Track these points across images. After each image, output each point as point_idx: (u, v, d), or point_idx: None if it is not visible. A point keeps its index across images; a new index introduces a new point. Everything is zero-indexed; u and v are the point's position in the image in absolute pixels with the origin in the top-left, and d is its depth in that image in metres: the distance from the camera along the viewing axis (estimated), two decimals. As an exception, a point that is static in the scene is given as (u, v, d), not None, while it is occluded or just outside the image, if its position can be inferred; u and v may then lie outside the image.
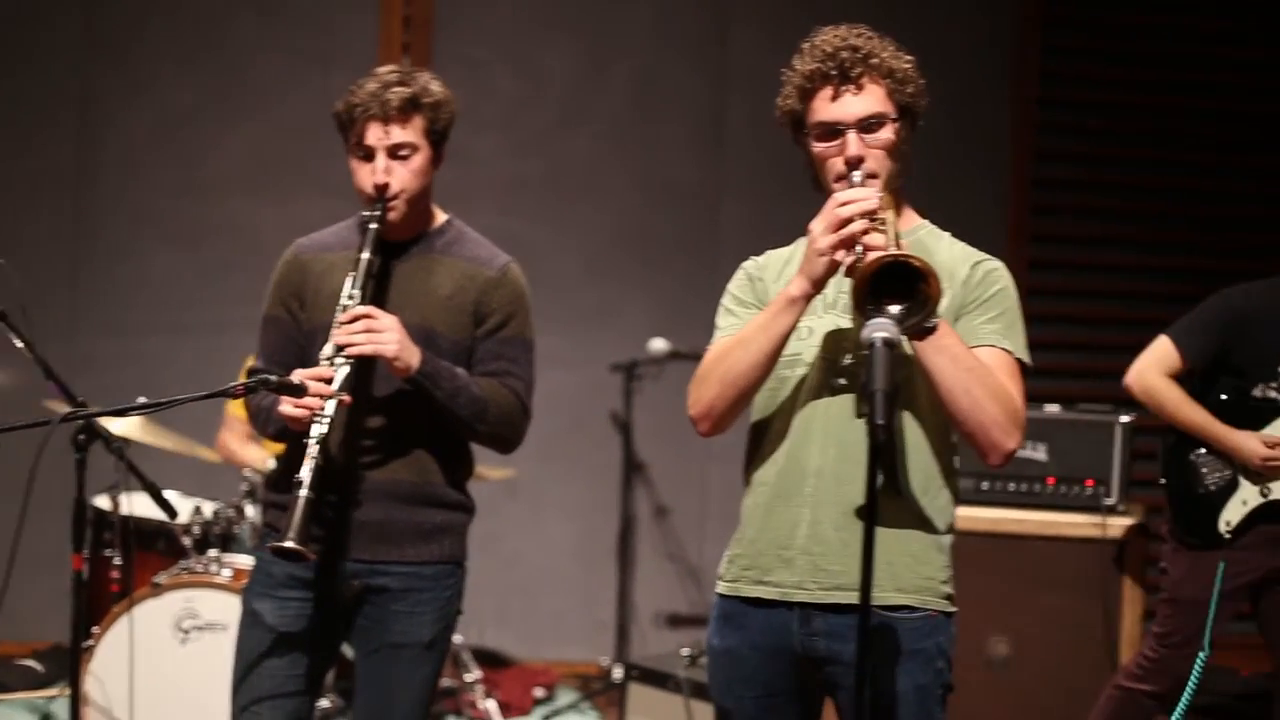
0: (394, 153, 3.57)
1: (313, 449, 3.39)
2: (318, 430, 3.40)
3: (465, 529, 3.77)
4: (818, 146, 3.17)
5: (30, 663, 6.60)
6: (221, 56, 7.08)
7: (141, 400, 3.65)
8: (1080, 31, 7.62)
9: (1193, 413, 4.88)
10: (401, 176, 3.58)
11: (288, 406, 3.41)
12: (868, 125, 3.12)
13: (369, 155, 3.58)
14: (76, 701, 4.52)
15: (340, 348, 3.43)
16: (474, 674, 6.24)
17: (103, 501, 5.39)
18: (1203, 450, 4.93)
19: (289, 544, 3.33)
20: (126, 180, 7.11)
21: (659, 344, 6.05)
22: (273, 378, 3.42)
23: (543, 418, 6.85)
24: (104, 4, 7.13)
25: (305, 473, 3.38)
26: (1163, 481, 5.10)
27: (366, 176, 3.58)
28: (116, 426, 5.04)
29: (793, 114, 3.21)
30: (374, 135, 3.56)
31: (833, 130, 3.14)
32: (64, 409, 4.32)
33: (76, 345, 7.00)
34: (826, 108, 3.14)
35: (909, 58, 3.21)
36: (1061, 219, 7.61)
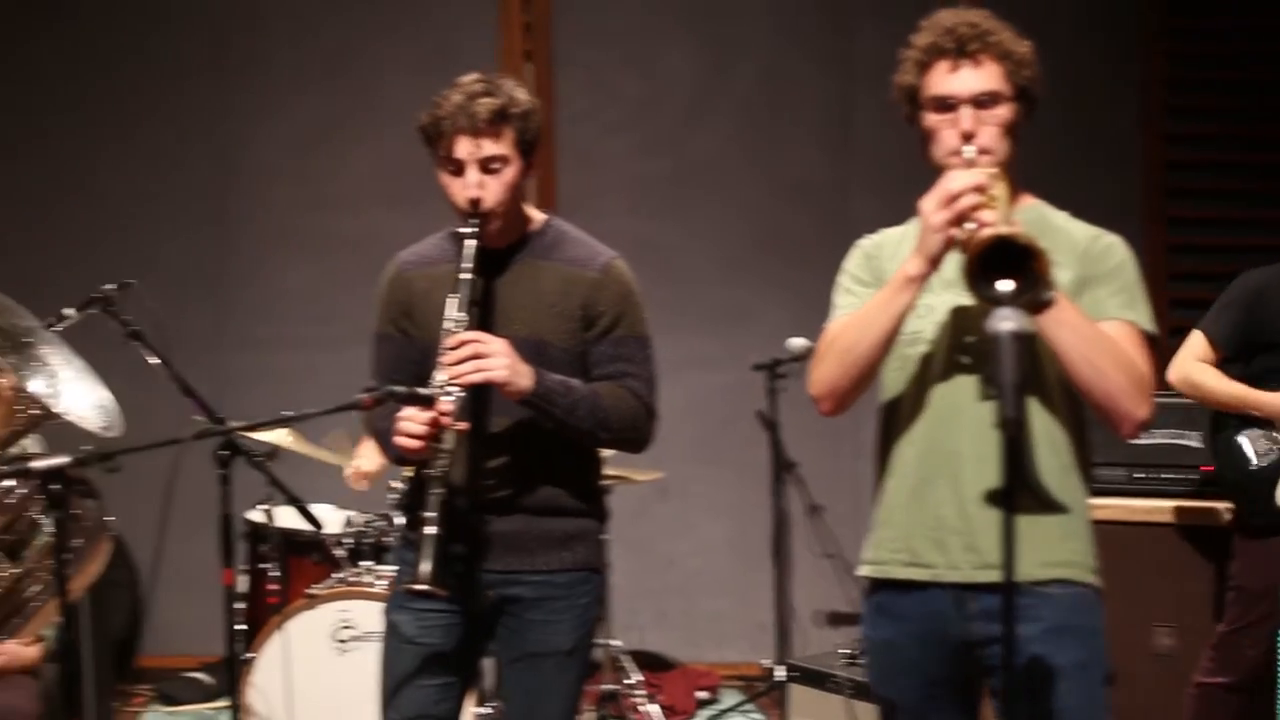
0: (485, 166, 3.47)
1: (435, 483, 3.39)
2: (440, 463, 3.39)
3: (598, 535, 3.73)
4: (931, 119, 3.15)
5: (199, 675, 6.72)
6: (347, 74, 7.22)
7: (280, 415, 3.66)
8: (1207, 10, 7.46)
9: (1230, 386, 4.89)
10: (494, 190, 3.48)
11: (402, 439, 3.39)
12: (982, 101, 3.10)
13: (459, 169, 3.49)
14: (237, 713, 4.61)
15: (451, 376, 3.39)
16: (636, 678, 6.23)
17: (257, 515, 5.47)
18: (1250, 429, 4.90)
19: (421, 586, 3.34)
20: (262, 198, 7.29)
21: (798, 342, 5.99)
22: (399, 389, 3.40)
23: (689, 419, 6.93)
24: (234, 29, 7.30)
25: (431, 509, 3.38)
26: (1213, 470, 5.14)
27: (459, 190, 3.49)
28: (270, 440, 5.12)
29: (909, 89, 3.19)
30: (464, 149, 3.47)
31: (947, 104, 3.12)
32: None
33: (221, 362, 7.14)
34: (942, 81, 3.12)
35: (1027, 43, 3.18)
36: (1198, 202, 7.44)
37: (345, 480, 5.52)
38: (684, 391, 6.88)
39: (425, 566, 3.33)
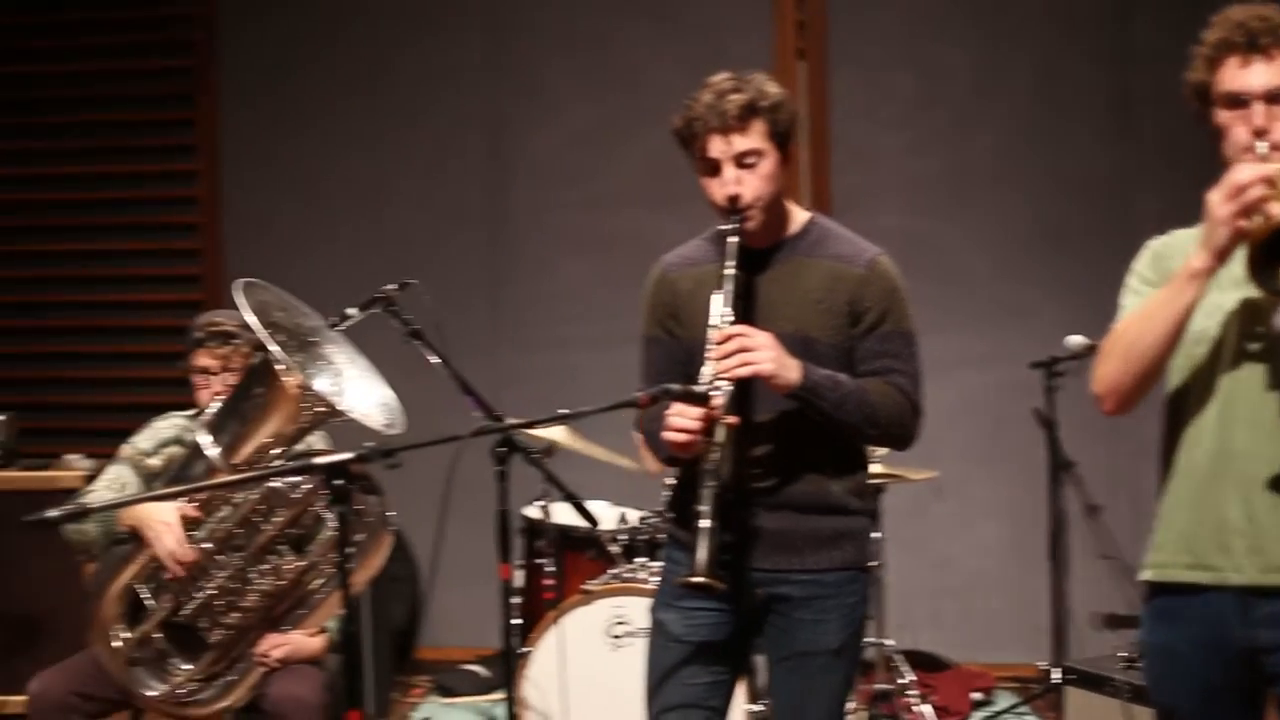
0: (740, 161, 3.48)
1: (708, 477, 3.36)
2: (712, 457, 3.37)
3: (866, 534, 3.71)
4: (1223, 116, 3.07)
5: (475, 668, 6.85)
6: (619, 73, 7.27)
7: (557, 412, 3.70)
8: None
9: None
10: (752, 185, 3.49)
11: (672, 434, 3.39)
12: (1275, 97, 3.01)
13: (715, 168, 3.51)
14: (513, 706, 4.68)
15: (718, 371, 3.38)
16: (909, 677, 6.18)
17: (533, 511, 5.54)
18: None
19: (697, 579, 3.32)
20: (537, 197, 7.38)
21: (1076, 340, 5.87)
22: (675, 387, 3.39)
23: (963, 418, 6.86)
24: (507, 31, 7.40)
25: (704, 502, 3.35)
26: None
27: (717, 189, 3.51)
28: (545, 437, 5.19)
29: (1198, 86, 3.11)
30: (716, 147, 3.48)
31: (1239, 100, 3.03)
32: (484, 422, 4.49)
33: (499, 360, 7.27)
34: (1233, 76, 3.04)
35: None
36: None
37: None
38: (957, 390, 6.82)
39: (702, 557, 3.31)
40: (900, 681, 6.16)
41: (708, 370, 3.40)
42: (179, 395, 4.83)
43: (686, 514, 3.50)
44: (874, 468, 5.37)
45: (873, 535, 3.75)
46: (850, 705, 3.78)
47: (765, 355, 3.39)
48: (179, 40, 7.62)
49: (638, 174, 7.14)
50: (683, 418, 3.38)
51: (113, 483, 4.50)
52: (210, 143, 7.61)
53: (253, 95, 7.58)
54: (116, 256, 7.77)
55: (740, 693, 4.34)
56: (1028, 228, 7.15)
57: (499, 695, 6.44)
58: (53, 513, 3.35)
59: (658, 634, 3.72)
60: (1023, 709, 6.55)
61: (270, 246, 7.42)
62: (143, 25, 7.65)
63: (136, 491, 4.45)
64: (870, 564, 3.74)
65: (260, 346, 3.96)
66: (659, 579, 3.91)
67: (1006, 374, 6.75)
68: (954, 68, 7.19)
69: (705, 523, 3.34)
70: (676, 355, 3.69)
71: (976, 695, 6.71)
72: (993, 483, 7.14)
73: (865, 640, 4.22)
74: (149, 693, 4.33)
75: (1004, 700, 6.73)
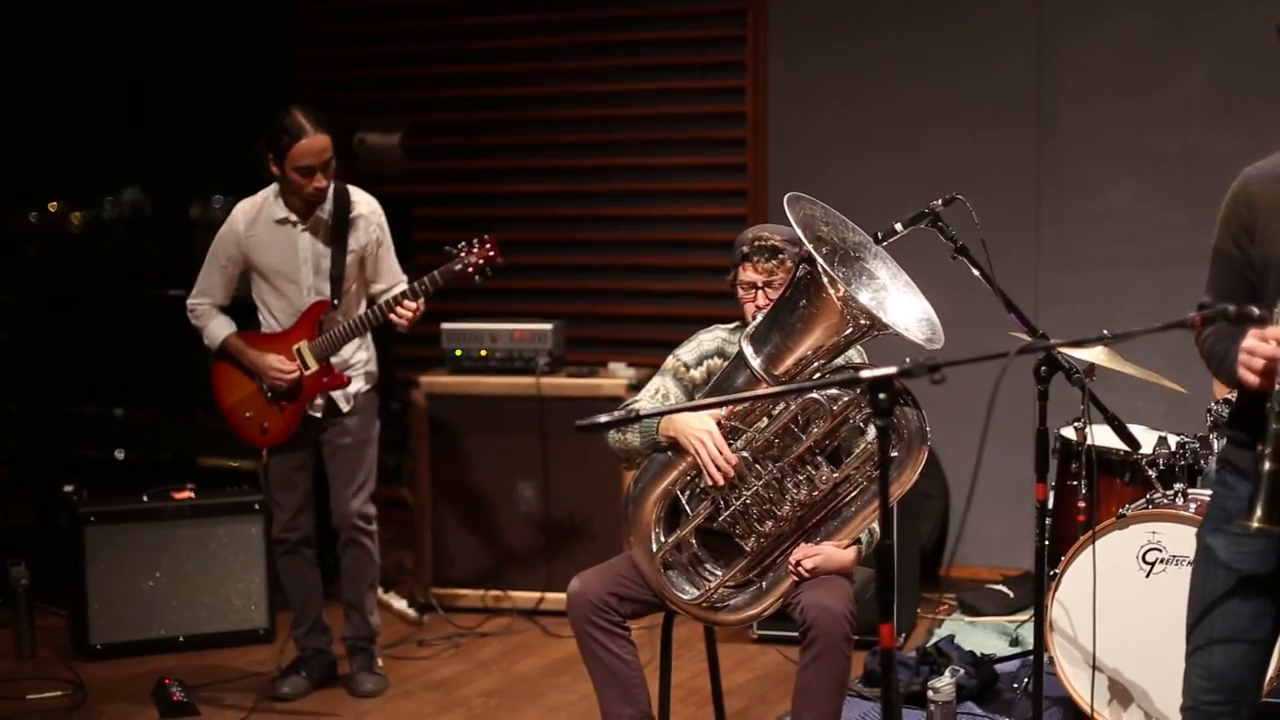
0: None
1: (1273, 418, 3.19)
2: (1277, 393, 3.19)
3: None
4: None
5: (1000, 587, 6.82)
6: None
7: (1103, 333, 3.63)
8: None
9: None
10: None
11: (1246, 372, 3.22)
12: None
13: None
14: (1041, 627, 4.65)
15: None
16: None
17: (1069, 432, 5.47)
18: None
19: (1255, 524, 3.20)
20: (1086, 112, 7.17)
21: None
22: (1230, 307, 3.23)
23: None
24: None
25: (1268, 443, 3.19)
26: None
27: None
28: (1084, 358, 5.11)
29: None
30: None
31: None
32: (1025, 340, 4.44)
33: (1042, 278, 7.16)
34: None
35: None
36: None
37: None
38: None
39: (1261, 502, 3.19)
40: None
41: None
42: (723, 308, 4.94)
43: (1247, 437, 3.37)
44: None
45: None
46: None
47: None
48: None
49: (1194, 88, 6.85)
50: (1256, 355, 3.21)
51: (655, 394, 4.62)
52: (758, 60, 7.74)
53: (797, 12, 7.66)
54: (664, 171, 8.02)
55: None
56: None
57: (1025, 616, 6.40)
58: (603, 417, 3.47)
59: (1204, 559, 3.58)
60: None
61: (813, 162, 7.51)
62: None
63: (677, 403, 4.56)
64: None
65: (806, 260, 4.02)
66: (1196, 505, 3.77)
67: None
68: None
69: (1266, 466, 3.20)
70: (1242, 272, 3.50)
71: None
72: None
73: None
74: (682, 596, 4.44)
75: None
